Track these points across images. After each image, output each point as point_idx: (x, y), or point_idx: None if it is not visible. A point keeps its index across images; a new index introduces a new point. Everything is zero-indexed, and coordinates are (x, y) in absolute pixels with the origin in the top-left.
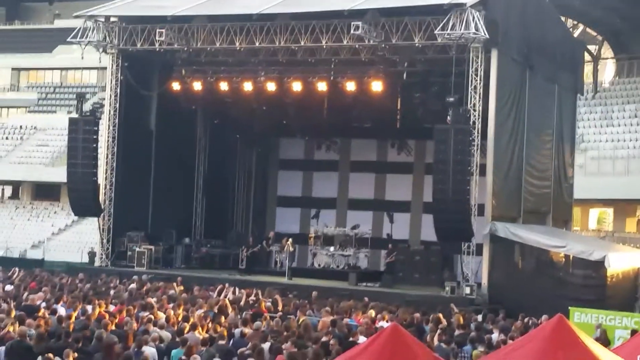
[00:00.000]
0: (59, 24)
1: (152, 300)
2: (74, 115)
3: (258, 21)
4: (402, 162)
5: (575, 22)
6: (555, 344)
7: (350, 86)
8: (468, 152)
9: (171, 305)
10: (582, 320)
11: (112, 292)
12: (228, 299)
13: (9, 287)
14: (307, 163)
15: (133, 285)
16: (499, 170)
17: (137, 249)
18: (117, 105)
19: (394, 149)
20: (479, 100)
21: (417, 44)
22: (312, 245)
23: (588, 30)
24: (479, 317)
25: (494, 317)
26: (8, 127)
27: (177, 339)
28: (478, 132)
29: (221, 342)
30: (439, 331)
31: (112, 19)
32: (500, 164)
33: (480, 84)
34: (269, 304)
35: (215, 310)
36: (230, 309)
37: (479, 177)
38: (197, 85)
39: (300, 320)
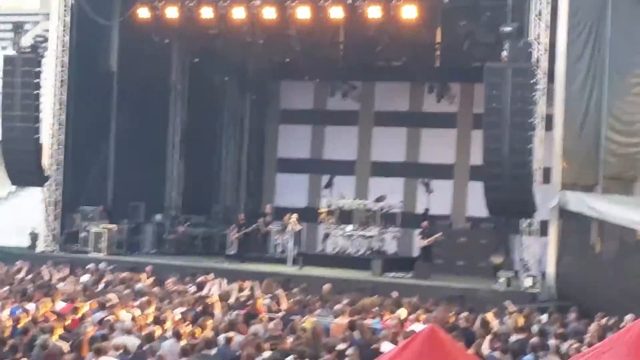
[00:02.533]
0: None
1: (114, 296)
2: (10, 52)
3: None
4: (443, 113)
5: None
6: None
7: (374, 12)
8: (530, 99)
9: (138, 302)
10: None
11: (60, 285)
12: (213, 294)
13: None
14: (318, 114)
15: (88, 277)
16: (572, 123)
17: (94, 229)
18: (67, 38)
19: (432, 95)
20: (545, 30)
21: None
22: (323, 223)
23: None
24: (544, 318)
25: (562, 318)
26: None
27: (146, 347)
28: (544, 73)
29: (206, 350)
30: (490, 336)
31: None
32: (572, 115)
33: (546, 7)
34: (267, 301)
35: (197, 309)
36: (217, 308)
37: (544, 132)
38: (172, 12)
39: (309, 322)
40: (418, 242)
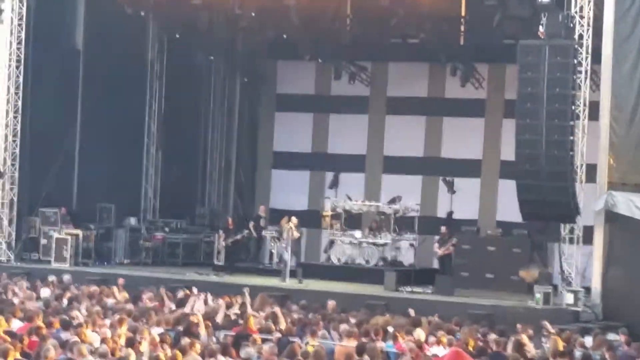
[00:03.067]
0: None
1: (80, 313)
2: None
3: None
4: (468, 99)
5: None
6: None
7: None
8: (571, 83)
9: (109, 321)
10: None
11: (16, 301)
12: (197, 312)
13: None
14: (320, 100)
15: (49, 291)
16: (621, 112)
17: (56, 235)
18: (24, 10)
19: (456, 78)
20: (589, 1)
21: None
22: (327, 228)
23: None
24: (587, 341)
25: (610, 342)
26: None
27: None
28: (587, 52)
29: None
30: None
31: None
32: (622, 102)
33: None
34: (261, 319)
35: (179, 329)
36: (201, 328)
37: (588, 122)
38: None
39: (310, 345)
40: (435, 251)
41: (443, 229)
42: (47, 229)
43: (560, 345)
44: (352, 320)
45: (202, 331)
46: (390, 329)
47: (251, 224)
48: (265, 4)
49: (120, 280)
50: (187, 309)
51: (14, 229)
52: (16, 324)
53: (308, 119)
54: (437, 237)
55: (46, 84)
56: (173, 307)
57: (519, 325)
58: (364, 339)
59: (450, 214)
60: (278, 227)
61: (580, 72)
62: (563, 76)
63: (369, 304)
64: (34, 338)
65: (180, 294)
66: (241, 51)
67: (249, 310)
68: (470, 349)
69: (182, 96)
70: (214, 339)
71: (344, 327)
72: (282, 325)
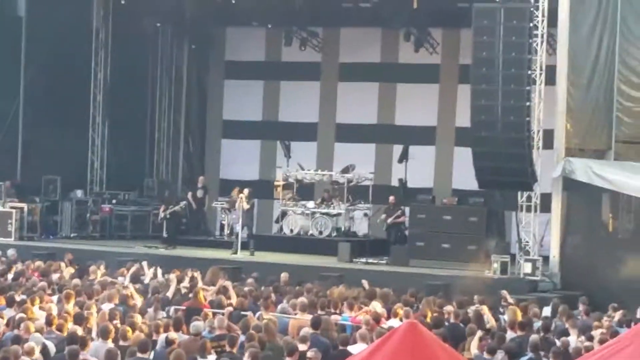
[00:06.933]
0: None
1: (25, 289)
2: None
3: None
4: (423, 65)
5: None
6: None
7: None
8: (527, 46)
9: (56, 297)
10: None
11: None
12: (148, 286)
13: None
14: (271, 67)
15: None
16: (578, 76)
17: (0, 209)
18: None
19: (409, 44)
20: None
21: None
22: (280, 199)
23: None
24: (547, 311)
25: (569, 311)
26: None
27: (65, 351)
28: (543, 15)
29: (140, 354)
30: (481, 333)
31: None
32: (579, 67)
33: None
34: (212, 293)
35: (128, 304)
36: (136, 299)
37: (545, 87)
38: None
39: (262, 319)
40: (385, 219)
41: (391, 198)
42: None
43: (519, 315)
44: (306, 293)
45: (138, 302)
46: (345, 302)
47: (189, 195)
48: None
49: (68, 256)
50: (136, 284)
51: None
52: None
53: (258, 87)
54: (384, 207)
55: None
56: (126, 282)
57: (476, 297)
58: (318, 312)
59: (403, 181)
60: (229, 198)
61: (536, 35)
62: (519, 40)
63: (323, 276)
64: None
65: (131, 268)
66: (189, 17)
67: (200, 284)
68: (428, 320)
69: (129, 64)
70: (164, 314)
71: (298, 300)
72: (234, 298)
